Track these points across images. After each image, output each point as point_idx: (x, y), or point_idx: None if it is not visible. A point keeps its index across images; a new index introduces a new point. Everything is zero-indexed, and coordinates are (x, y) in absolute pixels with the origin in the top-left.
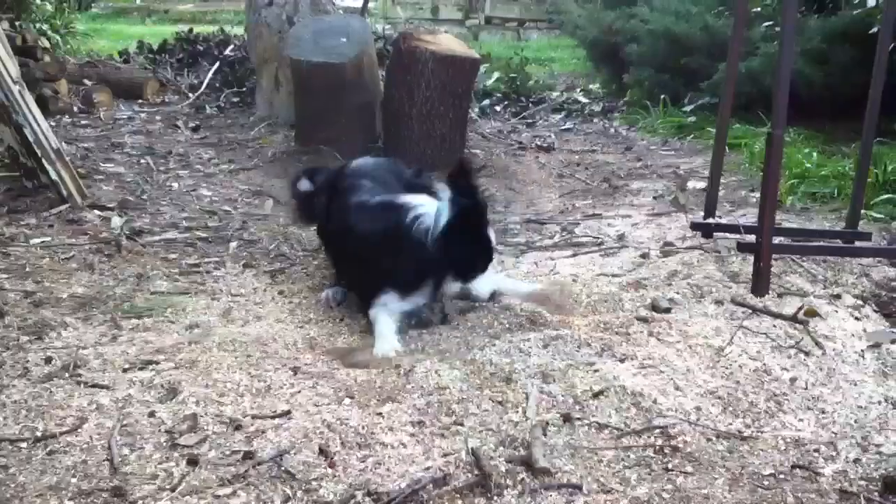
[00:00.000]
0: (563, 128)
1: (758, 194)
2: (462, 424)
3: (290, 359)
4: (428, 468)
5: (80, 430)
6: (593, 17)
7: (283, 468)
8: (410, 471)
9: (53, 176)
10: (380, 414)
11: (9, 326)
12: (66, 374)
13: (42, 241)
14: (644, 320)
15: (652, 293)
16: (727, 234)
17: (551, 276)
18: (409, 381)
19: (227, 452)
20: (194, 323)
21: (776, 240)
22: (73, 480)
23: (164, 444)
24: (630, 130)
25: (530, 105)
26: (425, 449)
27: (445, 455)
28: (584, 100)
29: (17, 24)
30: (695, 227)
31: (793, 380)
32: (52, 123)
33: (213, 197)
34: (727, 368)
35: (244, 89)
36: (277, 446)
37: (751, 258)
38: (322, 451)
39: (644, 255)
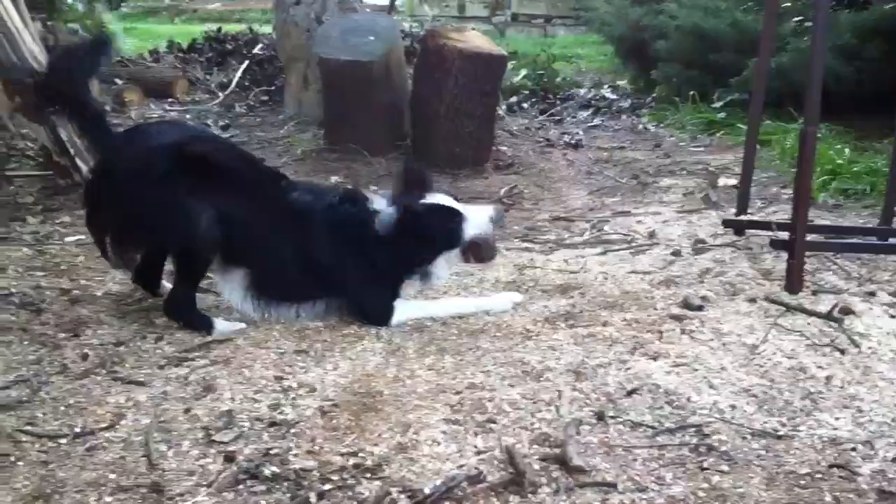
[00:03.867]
0: (590, 124)
1: (789, 191)
2: (495, 422)
3: (322, 358)
4: (462, 466)
5: (117, 427)
6: (621, 13)
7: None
8: (445, 468)
9: (86, 173)
10: (413, 412)
11: (46, 323)
12: (104, 371)
13: (77, 239)
14: (677, 318)
15: (684, 291)
16: (759, 231)
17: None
18: (441, 379)
19: (262, 449)
20: (229, 319)
21: (809, 237)
22: (112, 476)
23: (201, 440)
24: (659, 127)
25: (558, 102)
26: (459, 447)
27: (479, 453)
28: (611, 96)
29: (48, 23)
30: (726, 224)
31: (828, 378)
32: None
33: None
34: (761, 366)
35: (273, 88)
36: (312, 443)
37: (784, 255)
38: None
39: (675, 253)
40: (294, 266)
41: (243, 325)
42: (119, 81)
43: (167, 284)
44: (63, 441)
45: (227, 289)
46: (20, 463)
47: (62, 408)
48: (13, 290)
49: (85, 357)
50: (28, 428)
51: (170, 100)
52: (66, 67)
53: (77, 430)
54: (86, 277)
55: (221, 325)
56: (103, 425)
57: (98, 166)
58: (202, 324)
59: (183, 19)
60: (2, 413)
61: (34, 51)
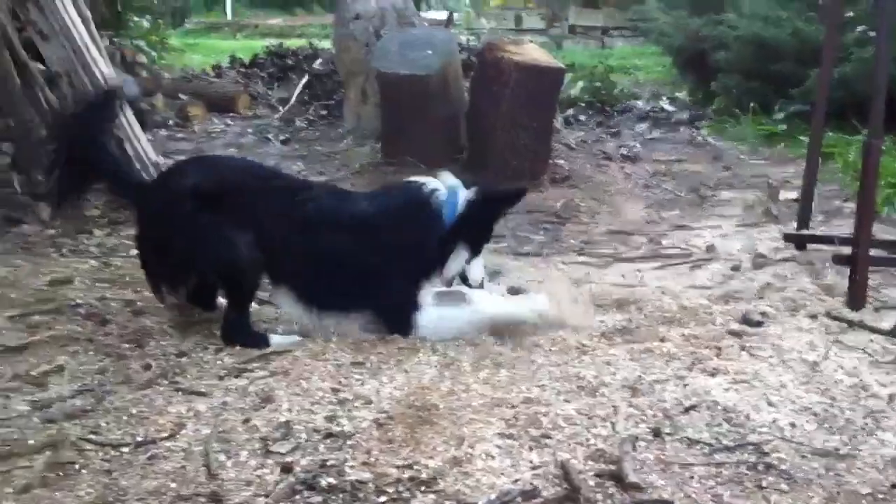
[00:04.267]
0: (648, 137)
1: (852, 205)
2: (550, 437)
3: (378, 370)
4: (517, 480)
5: (178, 436)
6: (679, 24)
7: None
8: (499, 483)
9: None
10: (468, 425)
11: (110, 334)
12: (166, 381)
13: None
14: (736, 334)
15: (744, 306)
16: (821, 246)
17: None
18: (496, 393)
19: (319, 460)
20: (287, 331)
21: (872, 252)
22: (173, 485)
23: (259, 451)
24: (718, 139)
25: (615, 114)
26: (514, 461)
27: (534, 468)
28: (670, 108)
29: (115, 40)
30: (788, 238)
31: (891, 396)
32: (150, 137)
33: None
34: (822, 384)
35: (332, 102)
36: (368, 455)
37: (846, 271)
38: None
39: (735, 268)
40: (336, 273)
41: (299, 338)
42: (183, 97)
43: (223, 300)
44: (125, 450)
45: (282, 302)
46: (84, 471)
47: (125, 417)
48: (80, 301)
49: (148, 367)
50: (92, 436)
51: (232, 114)
52: (83, 124)
53: (139, 439)
54: (150, 289)
55: (277, 339)
56: (164, 435)
57: (136, 218)
58: (259, 343)
59: (244, 35)
60: (67, 422)
61: (104, 71)
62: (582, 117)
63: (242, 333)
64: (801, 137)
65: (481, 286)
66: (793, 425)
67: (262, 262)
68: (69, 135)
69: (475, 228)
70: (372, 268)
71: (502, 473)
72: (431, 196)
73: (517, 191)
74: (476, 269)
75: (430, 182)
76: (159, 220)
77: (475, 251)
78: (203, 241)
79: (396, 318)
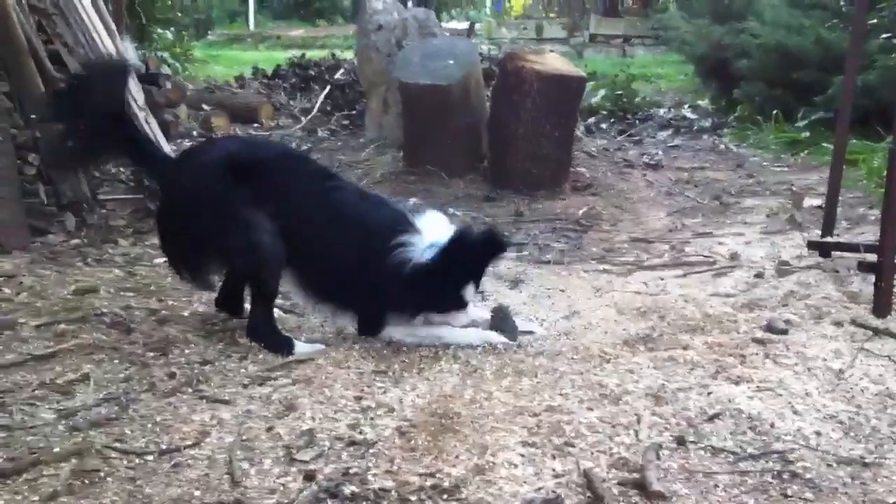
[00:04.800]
0: (670, 145)
1: (877, 212)
2: (573, 445)
3: (400, 378)
4: (540, 489)
5: (202, 444)
6: (701, 33)
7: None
8: (522, 491)
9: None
10: (491, 433)
11: (135, 343)
12: (190, 390)
13: (165, 261)
14: (760, 342)
15: (768, 314)
16: (846, 254)
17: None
18: (518, 401)
19: (342, 468)
20: (311, 339)
21: None
22: (197, 493)
23: (282, 458)
24: (741, 147)
25: (637, 122)
26: (537, 469)
27: (557, 476)
28: (692, 116)
29: (140, 52)
30: (812, 245)
31: None
32: (174, 147)
33: None
34: (848, 392)
35: (354, 112)
36: (390, 463)
37: (871, 278)
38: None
39: (759, 275)
40: (332, 266)
41: (322, 347)
42: (206, 107)
43: (302, 345)
44: (150, 458)
45: (287, 284)
46: (109, 479)
47: (149, 425)
48: (104, 310)
49: (172, 376)
50: (117, 444)
51: (255, 125)
52: (106, 92)
53: (163, 447)
54: (174, 298)
55: (301, 346)
56: (189, 443)
57: (161, 193)
58: (283, 344)
59: (267, 46)
60: (92, 430)
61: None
62: (603, 125)
63: (268, 332)
64: (825, 145)
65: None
66: (818, 433)
67: (285, 251)
68: (92, 101)
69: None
70: (360, 272)
71: (525, 482)
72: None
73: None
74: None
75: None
76: (185, 192)
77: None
78: (230, 220)
79: (368, 325)
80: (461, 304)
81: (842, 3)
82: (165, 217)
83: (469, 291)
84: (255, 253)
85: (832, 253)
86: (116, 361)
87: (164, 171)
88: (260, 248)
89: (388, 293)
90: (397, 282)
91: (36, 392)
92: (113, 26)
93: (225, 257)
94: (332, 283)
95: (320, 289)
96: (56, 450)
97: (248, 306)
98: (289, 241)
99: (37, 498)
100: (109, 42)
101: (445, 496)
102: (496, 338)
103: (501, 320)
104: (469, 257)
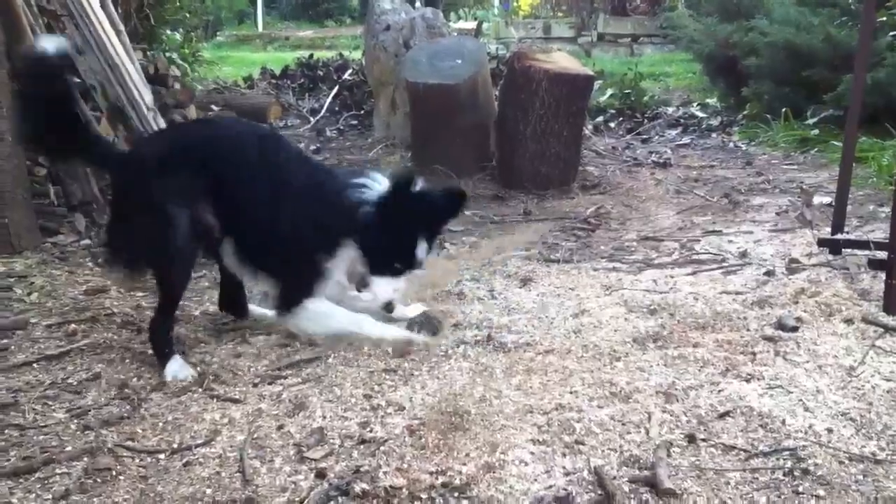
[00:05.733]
0: (679, 143)
1: (887, 209)
2: (584, 443)
3: (410, 377)
4: (550, 487)
5: (213, 443)
6: (709, 31)
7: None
8: (533, 489)
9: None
10: (501, 431)
11: (145, 342)
12: (200, 389)
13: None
14: (770, 339)
15: (778, 311)
16: (856, 251)
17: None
18: (528, 399)
19: (352, 466)
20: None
21: None
22: (208, 491)
23: (293, 457)
24: (750, 145)
25: (645, 121)
26: (547, 467)
27: (568, 474)
28: (700, 114)
29: (148, 53)
30: (822, 243)
31: None
32: None
33: None
34: (859, 389)
35: (362, 112)
36: (401, 461)
37: (882, 275)
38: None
39: (769, 273)
40: (276, 235)
41: (193, 373)
42: (215, 108)
43: (256, 308)
44: (161, 456)
45: (224, 253)
46: (121, 477)
47: (161, 424)
48: (115, 310)
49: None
50: (129, 443)
51: (264, 125)
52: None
53: (175, 445)
54: (183, 298)
55: (173, 366)
56: (200, 441)
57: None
58: (158, 354)
59: (275, 47)
60: (104, 429)
61: (137, 82)
62: (612, 124)
63: (156, 338)
64: (835, 142)
65: (388, 309)
66: (829, 431)
67: (197, 251)
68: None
69: (379, 245)
70: (289, 241)
71: (536, 479)
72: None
73: (453, 195)
74: (381, 289)
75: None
76: (116, 189)
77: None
78: (149, 219)
79: (288, 294)
80: (413, 263)
81: (850, 0)
82: (111, 210)
83: (422, 249)
84: (163, 257)
85: (842, 250)
86: (127, 361)
87: (112, 166)
88: (168, 254)
89: (338, 241)
90: (350, 226)
91: (48, 391)
92: (122, 27)
93: (145, 258)
94: (279, 244)
95: (265, 253)
96: (68, 448)
97: (255, 308)
98: (235, 212)
99: (49, 496)
100: (118, 43)
101: (456, 494)
102: (418, 337)
103: (424, 322)
104: (427, 210)
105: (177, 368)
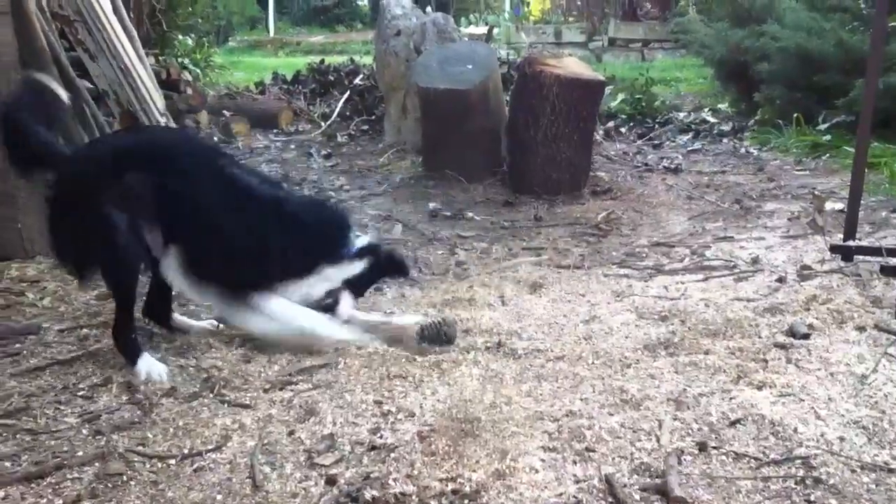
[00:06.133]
0: (690, 148)
1: None
2: (594, 451)
3: (420, 383)
4: (561, 494)
5: (224, 448)
6: (720, 36)
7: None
8: (543, 496)
9: None
10: (511, 438)
11: (156, 348)
12: (211, 394)
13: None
14: (782, 346)
15: (790, 318)
16: (868, 257)
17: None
18: (539, 406)
19: (363, 473)
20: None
21: None
22: (219, 497)
23: (303, 463)
24: (761, 150)
25: (656, 126)
26: (558, 475)
27: (578, 481)
28: (712, 120)
29: (161, 59)
30: (834, 249)
31: None
32: None
33: None
34: (871, 397)
35: (373, 117)
36: (411, 468)
37: (894, 282)
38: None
39: (780, 279)
40: (226, 247)
41: (165, 369)
42: (227, 113)
43: (180, 318)
44: (172, 462)
45: (167, 266)
46: (132, 482)
47: (171, 429)
48: None
49: (193, 380)
50: (139, 448)
51: (275, 130)
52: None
53: (185, 451)
54: (194, 302)
55: (144, 362)
56: (210, 447)
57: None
58: (127, 354)
59: (286, 52)
60: (115, 434)
61: (150, 87)
62: (623, 129)
63: (122, 341)
64: (847, 148)
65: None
66: (841, 439)
67: (143, 254)
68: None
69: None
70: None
71: (546, 487)
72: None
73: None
74: (345, 305)
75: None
76: (62, 189)
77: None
78: (93, 222)
79: (242, 289)
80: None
81: (862, 5)
82: (51, 211)
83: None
84: (111, 260)
85: (854, 257)
86: None
87: (55, 165)
88: (116, 257)
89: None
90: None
91: (59, 396)
92: (134, 33)
93: (91, 260)
94: (225, 251)
95: (217, 262)
96: (79, 453)
97: (176, 315)
98: (182, 225)
99: (61, 501)
100: (131, 49)
101: (466, 501)
102: (367, 338)
103: (435, 330)
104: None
105: (149, 366)
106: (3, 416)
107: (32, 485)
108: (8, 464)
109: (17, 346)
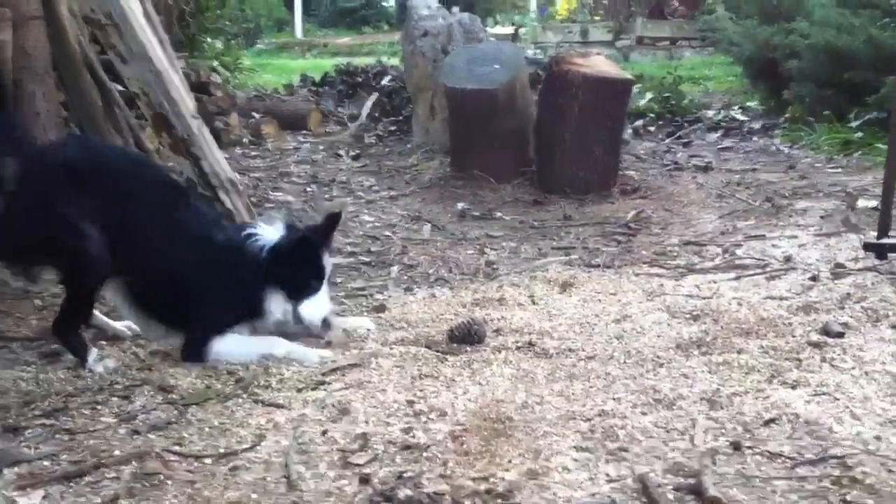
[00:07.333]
0: (720, 146)
1: None
2: (627, 450)
3: (452, 383)
4: (594, 494)
5: (258, 448)
6: (749, 34)
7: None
8: (576, 496)
9: (228, 205)
10: (544, 438)
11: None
12: (245, 394)
13: None
14: (816, 345)
15: (824, 317)
16: None
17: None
18: (571, 406)
19: (396, 472)
20: (361, 346)
21: None
22: (254, 496)
23: (337, 462)
24: (792, 148)
25: (685, 124)
26: (591, 474)
27: (611, 481)
28: (741, 118)
29: (190, 61)
30: (867, 247)
31: None
32: (225, 155)
33: (375, 223)
34: None
35: (401, 118)
36: (444, 467)
37: None
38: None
39: (814, 278)
40: (167, 283)
41: (115, 358)
42: (256, 115)
43: (100, 317)
44: (208, 461)
45: (114, 298)
46: (169, 482)
47: (207, 429)
48: None
49: (228, 380)
50: (176, 448)
51: (304, 132)
52: None
53: (221, 450)
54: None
55: (93, 356)
56: (245, 446)
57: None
58: (76, 352)
59: (314, 54)
60: (152, 433)
61: (181, 89)
62: (651, 128)
63: (62, 332)
64: (879, 145)
65: (325, 327)
66: (878, 438)
67: (109, 264)
68: None
69: (287, 270)
70: (189, 291)
71: (579, 487)
72: (247, 240)
73: (327, 219)
74: (309, 310)
75: (256, 228)
76: (21, 185)
77: (298, 293)
78: (54, 223)
79: (191, 348)
80: (322, 273)
81: (892, 1)
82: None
83: (327, 260)
84: (80, 257)
85: (888, 254)
86: (174, 365)
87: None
88: (84, 254)
89: (243, 286)
90: (255, 269)
91: (96, 396)
92: (165, 36)
93: (52, 259)
94: (172, 291)
95: (158, 300)
96: (117, 453)
97: (96, 314)
98: (124, 251)
99: (99, 500)
100: (161, 52)
101: (499, 501)
102: (328, 353)
103: (465, 331)
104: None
105: (99, 360)
106: (42, 415)
107: (71, 484)
108: (47, 463)
109: (56, 346)
